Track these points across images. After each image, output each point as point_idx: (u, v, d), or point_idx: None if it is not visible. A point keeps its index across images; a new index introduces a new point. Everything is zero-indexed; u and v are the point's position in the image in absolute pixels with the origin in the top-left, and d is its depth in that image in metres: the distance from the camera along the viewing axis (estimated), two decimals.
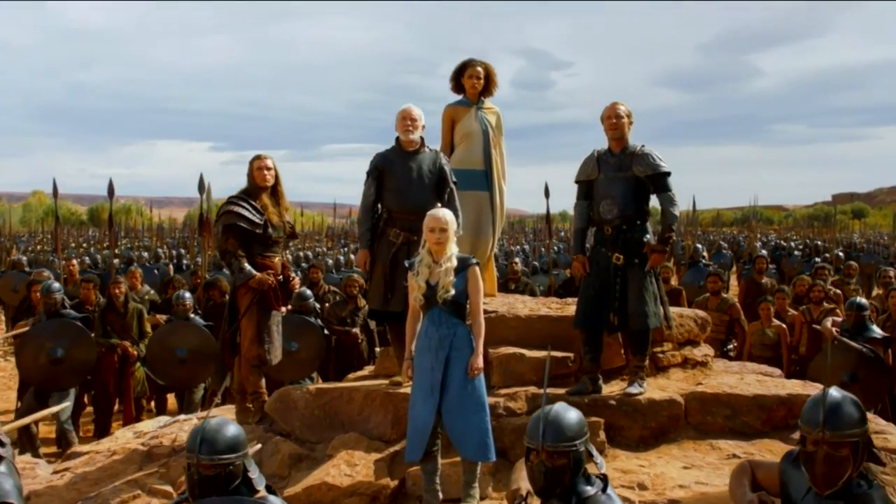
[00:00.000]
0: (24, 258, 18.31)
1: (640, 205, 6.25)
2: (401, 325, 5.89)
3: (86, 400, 10.10)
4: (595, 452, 3.65)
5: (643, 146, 6.24)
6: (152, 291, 11.90)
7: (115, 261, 15.66)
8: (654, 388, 6.38)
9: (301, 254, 21.16)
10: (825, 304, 9.85)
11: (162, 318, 10.04)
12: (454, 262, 5.33)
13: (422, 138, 6.50)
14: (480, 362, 5.30)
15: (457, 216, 5.87)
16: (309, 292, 9.80)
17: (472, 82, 7.14)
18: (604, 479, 3.58)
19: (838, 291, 11.20)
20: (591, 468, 3.67)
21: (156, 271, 16.31)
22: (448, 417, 5.25)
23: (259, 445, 5.46)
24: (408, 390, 5.75)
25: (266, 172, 6.70)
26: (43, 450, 8.83)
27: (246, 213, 6.53)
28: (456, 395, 5.23)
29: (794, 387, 6.53)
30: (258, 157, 6.71)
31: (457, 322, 5.33)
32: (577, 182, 6.50)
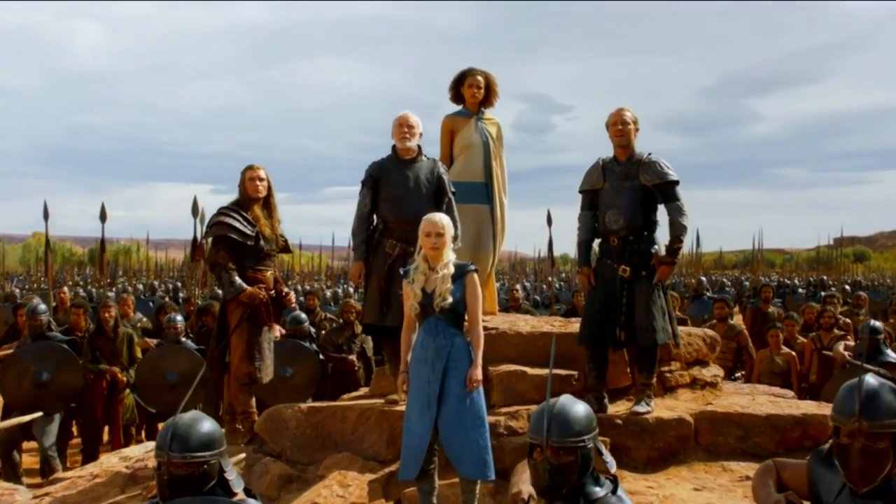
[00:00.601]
0: (18, 291, 18.03)
1: (647, 215, 6.00)
2: (397, 340, 5.62)
3: (74, 430, 9.77)
4: (604, 450, 3.35)
5: (650, 154, 6.01)
6: (145, 319, 11.61)
7: (111, 294, 15.39)
8: (662, 408, 6.09)
9: (299, 287, 20.90)
10: (836, 331, 9.56)
11: (153, 342, 9.75)
12: (451, 269, 5.07)
13: (419, 146, 6.26)
14: (479, 374, 5.02)
15: (455, 227, 5.61)
16: (304, 316, 9.53)
17: (471, 91, 6.88)
18: (613, 480, 3.28)
19: (847, 321, 10.91)
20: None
21: (151, 304, 16.03)
22: (445, 433, 4.96)
23: (243, 455, 5.16)
24: (404, 408, 5.48)
25: (258, 183, 6.47)
26: (27, 480, 8.50)
27: (237, 225, 6.29)
28: (454, 408, 4.95)
29: (809, 407, 6.24)
30: (250, 168, 6.48)
31: (454, 332, 5.06)
32: (581, 192, 6.26)
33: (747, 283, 27.93)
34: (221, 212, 6.36)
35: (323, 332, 10.46)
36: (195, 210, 10.57)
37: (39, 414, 7.97)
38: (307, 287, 22.16)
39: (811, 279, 31.98)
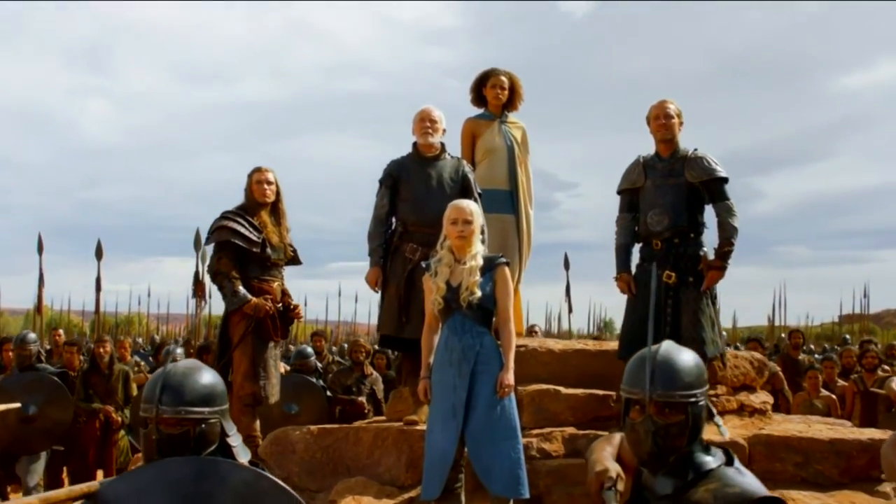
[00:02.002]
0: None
1: (693, 215, 5.45)
2: (416, 354, 5.07)
3: (64, 477, 9.11)
4: (715, 412, 2.69)
5: (696, 150, 5.49)
6: (143, 363, 11.01)
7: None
8: (710, 433, 5.46)
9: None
10: (879, 373, 8.94)
11: (151, 376, 9.14)
12: (479, 261, 4.53)
13: (442, 144, 5.75)
14: (511, 378, 4.45)
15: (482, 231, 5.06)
16: (310, 350, 8.97)
17: (495, 93, 6.34)
18: (726, 451, 2.59)
19: (886, 367, 10.28)
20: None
21: (151, 358, 15.46)
22: (473, 444, 4.38)
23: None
24: (425, 427, 4.89)
25: (266, 187, 5.95)
26: None
27: (242, 230, 5.75)
28: (482, 417, 4.38)
29: (874, 433, 5.63)
30: (258, 170, 5.97)
31: (483, 331, 4.50)
32: (619, 192, 5.73)
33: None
34: (225, 216, 5.83)
35: (330, 375, 9.89)
36: (197, 244, 10.03)
37: (18, 405, 7.28)
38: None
39: (826, 346, 31.22)
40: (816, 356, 22.95)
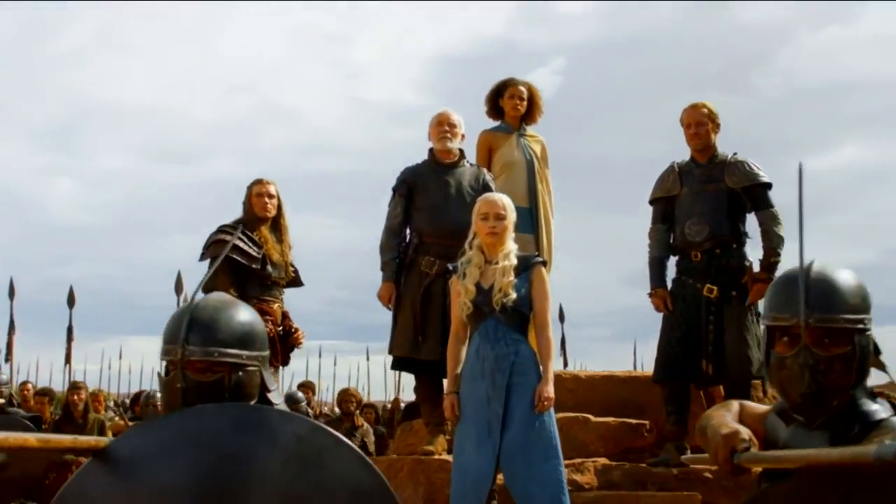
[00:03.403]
0: None
1: (735, 224, 5.05)
2: (433, 378, 4.60)
3: None
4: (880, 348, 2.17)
5: (735, 154, 5.11)
6: (117, 417, 10.39)
7: None
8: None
9: None
10: None
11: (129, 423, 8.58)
12: (513, 260, 4.07)
13: (461, 150, 5.33)
14: (551, 391, 3.95)
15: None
16: (301, 395, 8.43)
17: (513, 103, 5.89)
18: (891, 400, 2.06)
19: None
20: None
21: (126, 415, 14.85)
22: (508, 466, 3.88)
23: None
24: (446, 457, 4.40)
25: (267, 200, 5.49)
26: None
27: (240, 244, 5.26)
28: (519, 435, 3.88)
29: None
30: (258, 182, 5.52)
31: (518, 338, 4.01)
32: (652, 202, 5.32)
33: None
34: (222, 230, 5.36)
35: None
36: (178, 288, 9.45)
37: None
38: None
39: None
40: None
